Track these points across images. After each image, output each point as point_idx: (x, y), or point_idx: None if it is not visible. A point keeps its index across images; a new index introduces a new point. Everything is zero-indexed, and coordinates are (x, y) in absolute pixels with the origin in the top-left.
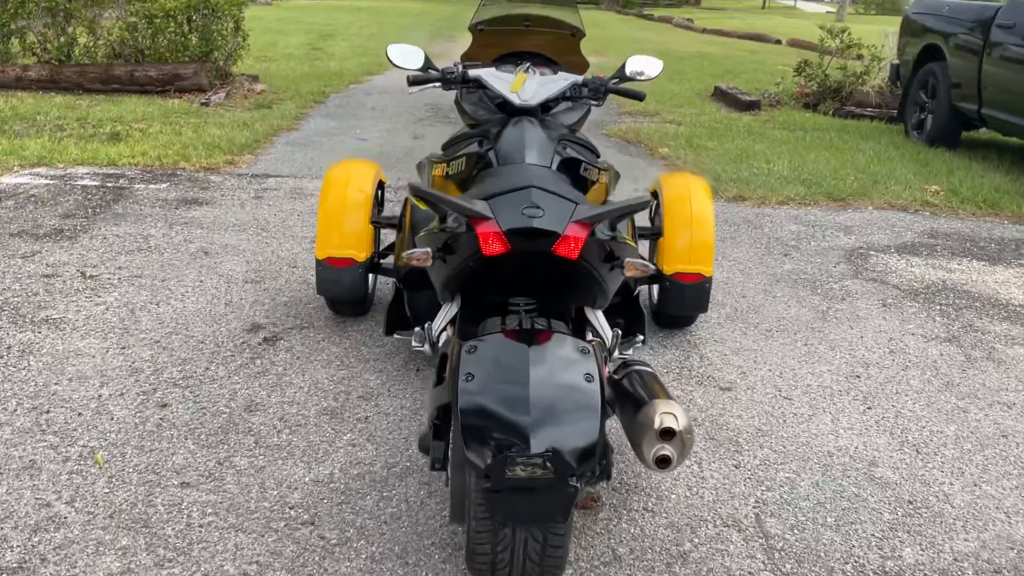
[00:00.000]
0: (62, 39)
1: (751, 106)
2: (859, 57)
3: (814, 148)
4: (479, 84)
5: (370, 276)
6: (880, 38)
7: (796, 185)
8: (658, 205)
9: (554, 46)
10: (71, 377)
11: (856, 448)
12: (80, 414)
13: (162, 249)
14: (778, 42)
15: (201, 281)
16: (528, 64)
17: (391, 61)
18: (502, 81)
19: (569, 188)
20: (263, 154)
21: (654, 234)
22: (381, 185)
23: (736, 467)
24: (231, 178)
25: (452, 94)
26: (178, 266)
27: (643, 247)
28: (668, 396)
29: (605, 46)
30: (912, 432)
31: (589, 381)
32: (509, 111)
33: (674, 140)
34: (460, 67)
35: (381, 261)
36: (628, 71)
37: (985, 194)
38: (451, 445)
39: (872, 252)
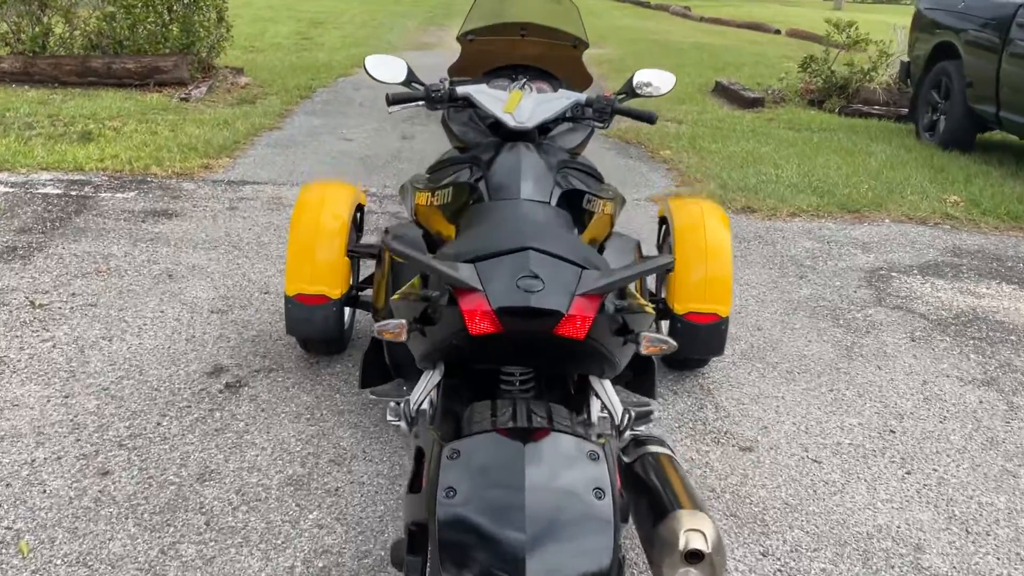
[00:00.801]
0: (36, 29)
1: (754, 103)
2: (865, 50)
3: (823, 151)
4: (468, 103)
5: (347, 310)
6: (887, 32)
7: (807, 194)
8: (667, 232)
9: (553, 58)
10: (3, 435)
11: (898, 527)
12: (8, 485)
13: (123, 271)
14: (778, 32)
15: (162, 311)
16: (524, 80)
17: (369, 74)
18: (494, 100)
19: (573, 241)
20: (242, 157)
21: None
22: (360, 208)
23: (764, 555)
24: (205, 185)
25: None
26: (138, 292)
27: (650, 280)
28: (694, 501)
29: (602, 36)
30: (959, 504)
31: (600, 498)
32: (503, 134)
33: (676, 141)
34: (447, 83)
35: (360, 294)
36: (636, 86)
37: (1008, 206)
38: (429, 565)
39: (894, 274)
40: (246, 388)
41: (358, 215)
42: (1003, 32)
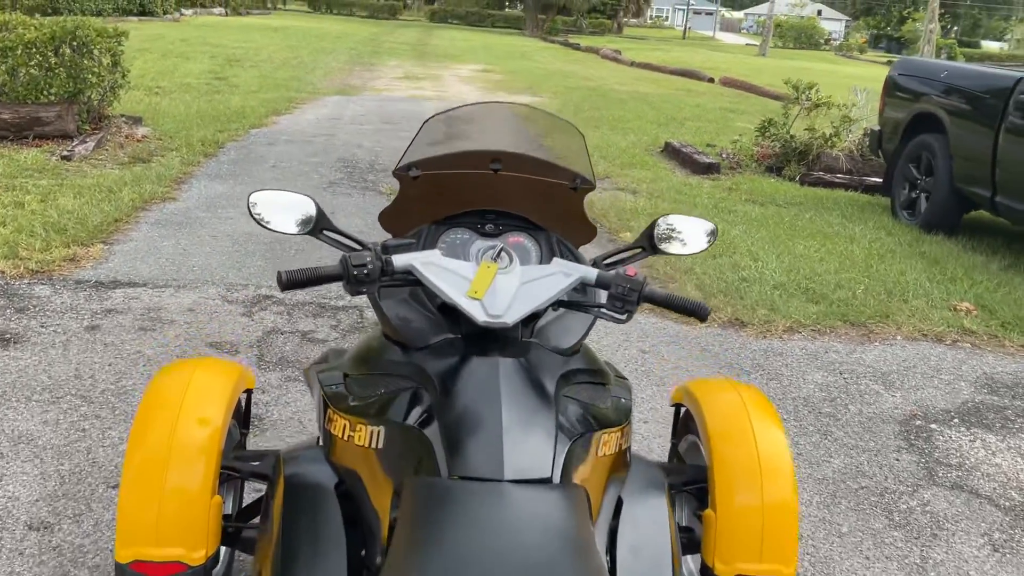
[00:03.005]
0: None
1: (710, 168)
2: (827, 113)
3: (799, 234)
4: (411, 279)
5: (223, 549)
6: (847, 94)
7: (800, 299)
8: (685, 427)
9: (540, 203)
10: None
11: None
12: None
13: None
14: (711, 80)
15: None
16: (499, 245)
17: (256, 218)
18: (453, 277)
19: None
20: (121, 242)
21: (694, 488)
22: (248, 394)
23: None
24: (65, 290)
25: (380, 134)
26: None
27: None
28: None
29: (535, 82)
30: None
31: None
32: (466, 331)
33: (633, 218)
34: (378, 248)
35: (243, 529)
36: (657, 237)
37: None
38: None
39: (933, 425)
40: None
41: (243, 402)
42: (1000, 107)
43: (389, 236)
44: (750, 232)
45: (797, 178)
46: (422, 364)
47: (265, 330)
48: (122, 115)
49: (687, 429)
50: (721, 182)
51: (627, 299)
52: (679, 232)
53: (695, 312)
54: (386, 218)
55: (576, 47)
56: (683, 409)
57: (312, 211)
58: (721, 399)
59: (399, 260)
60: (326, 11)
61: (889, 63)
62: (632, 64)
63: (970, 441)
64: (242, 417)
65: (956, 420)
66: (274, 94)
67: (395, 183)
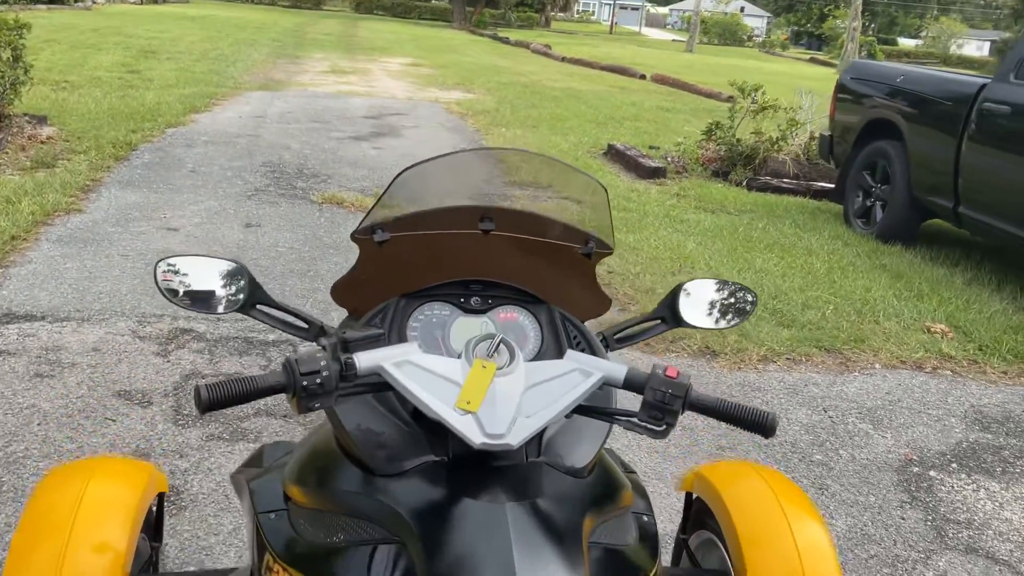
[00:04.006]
0: None
1: (656, 173)
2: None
3: (755, 246)
4: (379, 382)
5: None
6: (784, 94)
7: (769, 323)
8: (698, 525)
9: (543, 269)
10: None
11: None
12: None
13: None
14: (643, 77)
15: None
16: (498, 337)
17: (169, 296)
18: (437, 383)
19: None
20: (17, 264)
21: None
22: (160, 500)
23: None
24: None
25: (308, 133)
26: None
27: None
28: None
29: (468, 77)
30: None
31: None
32: (454, 456)
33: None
34: (334, 340)
35: None
36: (682, 308)
37: (1005, 340)
38: None
39: (932, 473)
40: None
41: (155, 508)
42: (963, 114)
43: (343, 311)
44: (706, 244)
45: (744, 183)
46: (395, 502)
47: (183, 373)
48: (25, 114)
49: (700, 523)
50: (668, 187)
51: (667, 407)
52: (709, 300)
53: (758, 425)
54: (341, 291)
55: (505, 41)
56: (694, 497)
57: (242, 281)
58: (745, 489)
59: (364, 360)
60: None
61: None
62: (563, 59)
63: (974, 491)
64: (152, 528)
65: (954, 465)
66: (192, 89)
67: (330, 189)
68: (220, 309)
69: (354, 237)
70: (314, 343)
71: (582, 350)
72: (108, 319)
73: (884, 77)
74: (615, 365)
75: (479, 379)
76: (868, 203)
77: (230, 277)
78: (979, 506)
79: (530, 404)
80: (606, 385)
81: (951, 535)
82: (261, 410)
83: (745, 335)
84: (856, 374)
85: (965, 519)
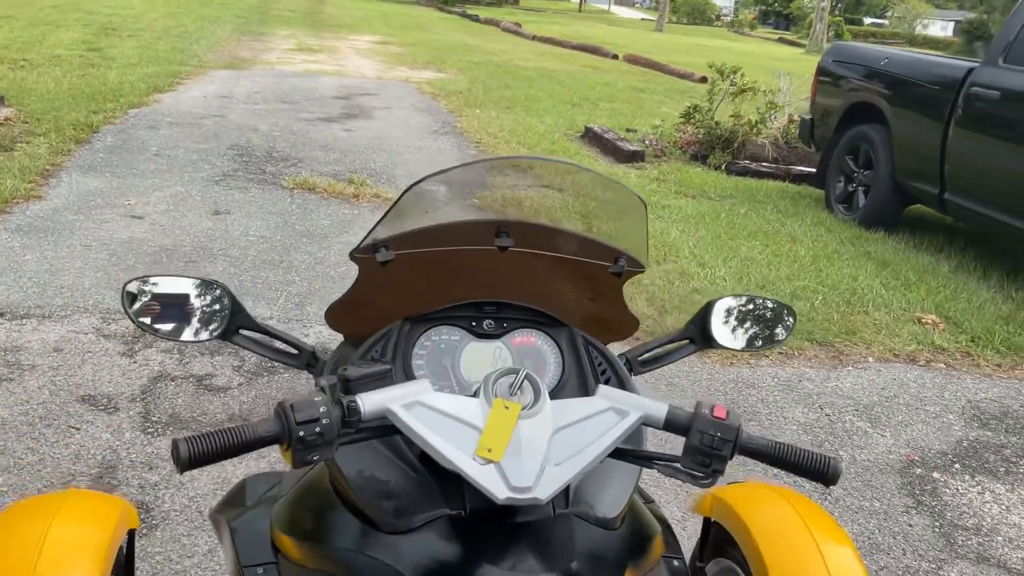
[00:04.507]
0: None
1: (634, 157)
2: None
3: (739, 233)
4: (387, 425)
5: None
6: (759, 75)
7: None
8: (717, 551)
9: (566, 289)
10: None
11: None
12: None
13: None
14: (615, 57)
15: None
16: (523, 372)
17: (139, 323)
18: (454, 427)
19: None
20: None
21: None
22: (131, 537)
23: None
24: None
25: (277, 114)
26: None
27: None
28: None
29: (439, 55)
30: None
31: None
32: (472, 508)
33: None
34: (335, 383)
35: None
36: (712, 327)
37: (998, 332)
38: None
39: (936, 474)
40: None
41: (124, 548)
42: (949, 99)
43: (340, 335)
44: (689, 231)
45: (723, 167)
46: (402, 563)
47: (151, 375)
48: None
49: (719, 550)
50: (647, 171)
51: (715, 452)
52: (742, 319)
53: (818, 472)
54: (337, 314)
55: (475, 19)
56: (712, 522)
57: (222, 302)
58: (769, 514)
59: (370, 403)
60: None
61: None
62: (533, 38)
63: (979, 494)
64: (123, 568)
65: (957, 466)
66: (156, 68)
67: (301, 174)
68: (198, 336)
69: (354, 256)
70: (305, 370)
71: (607, 379)
72: (70, 315)
73: (867, 60)
74: (654, 403)
75: (501, 422)
76: (850, 188)
77: (208, 299)
78: (986, 510)
79: (559, 450)
80: (645, 426)
81: (960, 543)
82: (235, 415)
83: None
84: (850, 368)
85: (973, 524)
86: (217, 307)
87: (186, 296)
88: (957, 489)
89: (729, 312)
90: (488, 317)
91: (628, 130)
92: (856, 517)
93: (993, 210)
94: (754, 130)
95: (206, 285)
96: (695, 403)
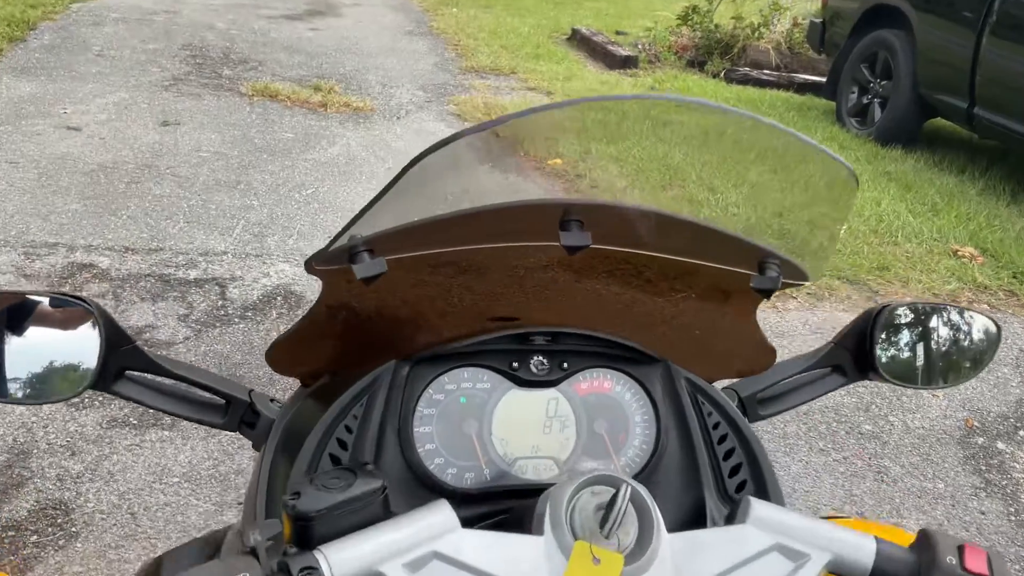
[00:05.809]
0: None
1: (627, 63)
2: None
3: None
4: None
5: None
6: None
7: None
8: None
9: (663, 310)
10: None
11: None
12: None
13: None
14: None
15: None
16: (625, 490)
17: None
18: None
19: None
20: None
21: None
22: None
23: None
24: None
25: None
26: None
27: None
28: None
29: None
30: None
31: None
32: None
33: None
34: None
35: None
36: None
37: None
38: None
39: (999, 445)
40: None
41: None
42: (985, 3)
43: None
44: (693, 154)
45: (722, 74)
46: None
47: None
48: None
49: None
50: (641, 79)
51: None
52: (918, 339)
53: None
54: (286, 351)
55: None
56: None
57: (94, 332)
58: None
59: (341, 564)
60: None
61: None
62: None
63: None
64: None
65: (1022, 433)
66: None
67: (262, 79)
68: (51, 395)
69: (313, 267)
70: (237, 432)
71: (722, 437)
72: None
73: None
74: (850, 535)
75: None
76: (864, 100)
77: (69, 329)
78: None
79: None
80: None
81: None
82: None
83: None
84: None
85: None
86: (84, 342)
87: (30, 326)
88: (1021, 460)
89: (900, 326)
90: (537, 351)
91: (618, 32)
92: (921, 504)
93: None
94: (755, 34)
95: (63, 305)
96: (918, 530)
